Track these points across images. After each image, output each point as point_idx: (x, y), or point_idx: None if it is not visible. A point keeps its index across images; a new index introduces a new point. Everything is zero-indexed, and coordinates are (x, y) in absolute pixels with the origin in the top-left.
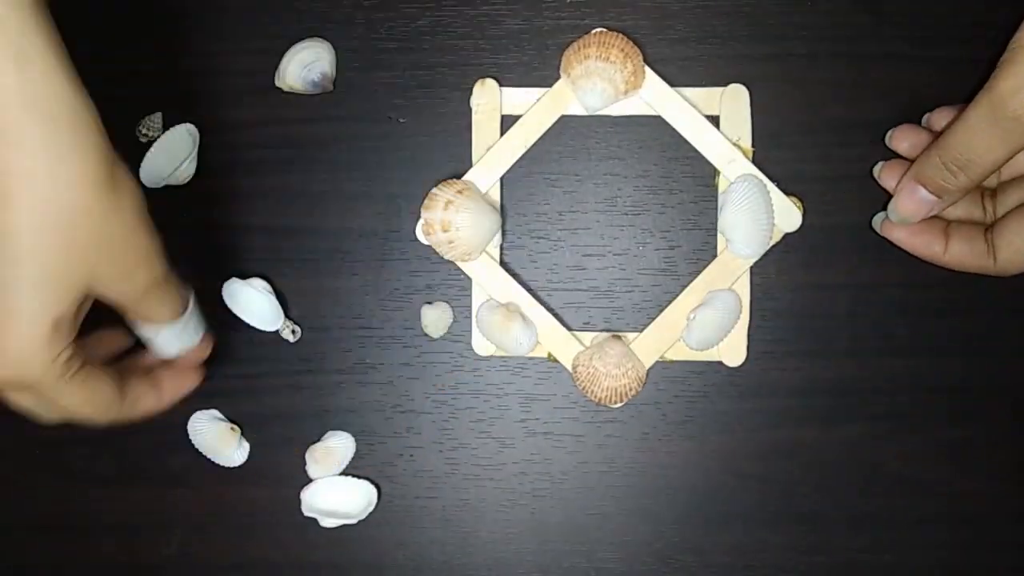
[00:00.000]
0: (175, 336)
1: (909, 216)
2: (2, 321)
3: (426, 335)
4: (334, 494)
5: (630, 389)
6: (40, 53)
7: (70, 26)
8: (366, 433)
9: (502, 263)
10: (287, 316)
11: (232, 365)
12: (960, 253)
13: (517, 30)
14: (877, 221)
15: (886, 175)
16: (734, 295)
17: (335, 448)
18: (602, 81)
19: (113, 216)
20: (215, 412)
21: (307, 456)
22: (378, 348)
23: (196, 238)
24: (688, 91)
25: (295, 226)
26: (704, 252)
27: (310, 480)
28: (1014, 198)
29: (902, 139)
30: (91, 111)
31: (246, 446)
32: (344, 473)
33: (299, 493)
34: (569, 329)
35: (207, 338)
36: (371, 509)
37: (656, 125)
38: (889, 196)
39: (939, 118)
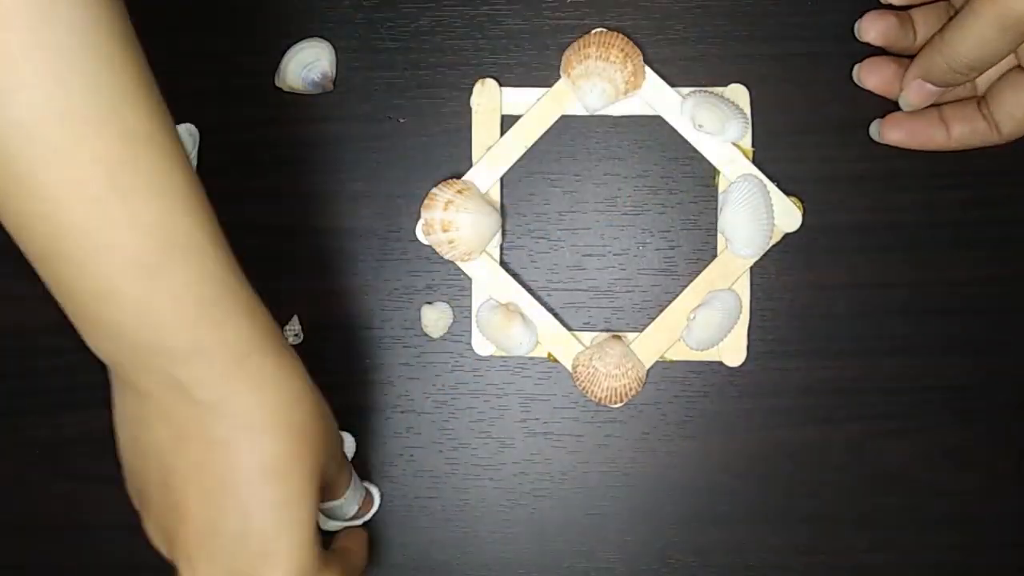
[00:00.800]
0: (352, 499)
1: (919, 104)
2: None
3: (426, 335)
4: None
5: (630, 389)
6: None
7: None
8: (366, 433)
9: (502, 263)
10: (291, 319)
11: None
12: (963, 135)
13: (517, 30)
14: (874, 131)
15: (866, 75)
16: (734, 295)
17: None
18: (602, 81)
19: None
20: None
21: None
22: (378, 348)
23: None
24: (688, 91)
25: (295, 226)
26: (704, 252)
27: None
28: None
29: (871, 74)
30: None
31: None
32: None
33: None
34: (569, 329)
35: (368, 498)
36: (372, 509)
37: (656, 125)
38: (874, 111)
39: (868, 72)
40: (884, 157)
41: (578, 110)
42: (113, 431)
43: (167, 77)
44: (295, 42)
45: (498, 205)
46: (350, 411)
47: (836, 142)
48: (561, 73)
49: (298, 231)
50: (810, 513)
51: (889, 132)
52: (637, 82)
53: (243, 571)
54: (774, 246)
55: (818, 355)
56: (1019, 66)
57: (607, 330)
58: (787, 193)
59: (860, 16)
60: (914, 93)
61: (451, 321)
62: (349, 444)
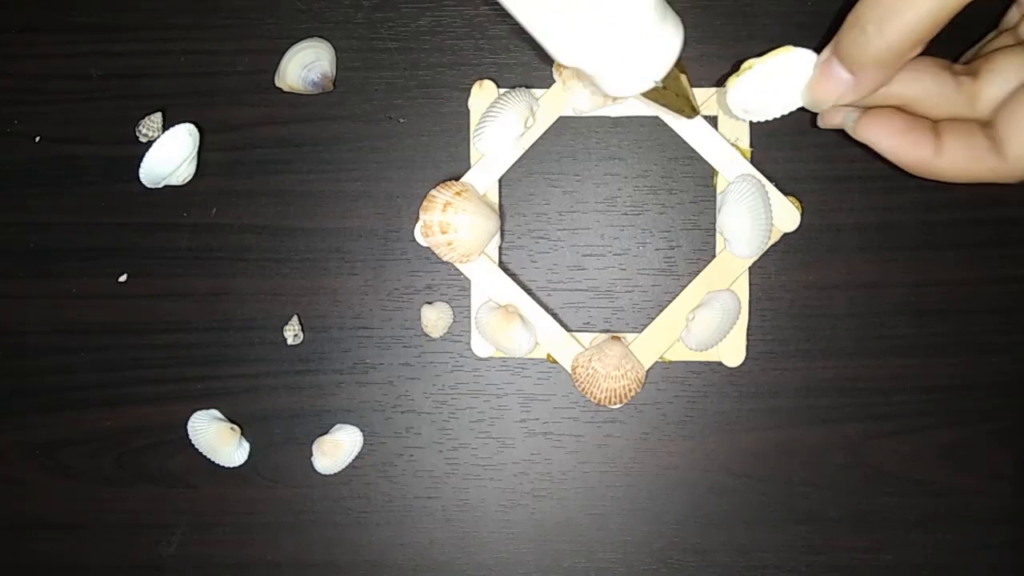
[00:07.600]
0: None
1: (822, 98)
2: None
3: (426, 335)
4: None
5: (629, 390)
6: None
7: (70, 25)
8: (366, 433)
9: (501, 263)
10: (291, 319)
11: (232, 365)
12: (957, 153)
13: (517, 30)
14: (848, 121)
15: (862, 128)
16: (733, 295)
17: (343, 441)
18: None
19: None
20: (215, 412)
21: (314, 448)
22: (378, 348)
23: (196, 238)
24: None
25: (295, 226)
26: (704, 252)
27: (310, 480)
28: (1008, 78)
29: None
30: None
31: (246, 446)
32: (350, 468)
33: (299, 493)
34: (568, 330)
35: None
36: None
37: (656, 125)
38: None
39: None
40: (883, 157)
41: (570, 111)
42: (108, 430)
43: (168, 77)
44: (295, 42)
45: (497, 206)
46: (350, 411)
47: (835, 142)
48: (552, 71)
49: (298, 231)
50: (810, 513)
51: (866, 128)
52: None
53: None
54: (773, 246)
55: (817, 355)
56: None
57: (606, 331)
58: (785, 193)
59: None
60: (819, 74)
61: (451, 321)
62: (357, 438)
